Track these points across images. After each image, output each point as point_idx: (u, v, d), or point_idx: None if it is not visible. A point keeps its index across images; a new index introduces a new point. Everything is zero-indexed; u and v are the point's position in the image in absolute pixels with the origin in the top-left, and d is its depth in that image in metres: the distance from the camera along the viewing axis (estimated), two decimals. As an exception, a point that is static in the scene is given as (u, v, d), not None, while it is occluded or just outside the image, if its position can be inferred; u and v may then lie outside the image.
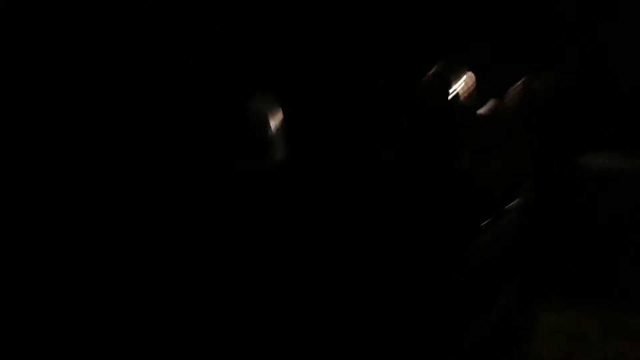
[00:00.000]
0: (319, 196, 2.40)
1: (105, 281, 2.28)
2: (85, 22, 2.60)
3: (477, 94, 3.10)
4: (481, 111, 3.21)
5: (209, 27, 2.84)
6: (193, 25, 2.81)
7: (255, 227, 2.30)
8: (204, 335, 2.21)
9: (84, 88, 2.53)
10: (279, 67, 2.87)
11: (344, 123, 2.79)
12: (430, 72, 2.93)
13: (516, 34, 3.38)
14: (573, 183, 3.17)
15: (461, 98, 3.09)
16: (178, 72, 2.66)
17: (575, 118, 3.20)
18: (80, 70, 2.55)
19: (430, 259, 2.28)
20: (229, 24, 2.89)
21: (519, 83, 3.11)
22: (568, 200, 3.11)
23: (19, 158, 2.41)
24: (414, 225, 2.43)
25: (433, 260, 2.28)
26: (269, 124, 2.92)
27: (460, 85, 3.07)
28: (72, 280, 2.29)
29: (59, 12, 2.55)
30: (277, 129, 2.87)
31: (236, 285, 2.22)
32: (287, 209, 2.33)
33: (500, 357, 2.55)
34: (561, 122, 3.16)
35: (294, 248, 2.26)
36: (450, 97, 2.93)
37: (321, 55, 3.00)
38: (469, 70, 2.99)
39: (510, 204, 2.73)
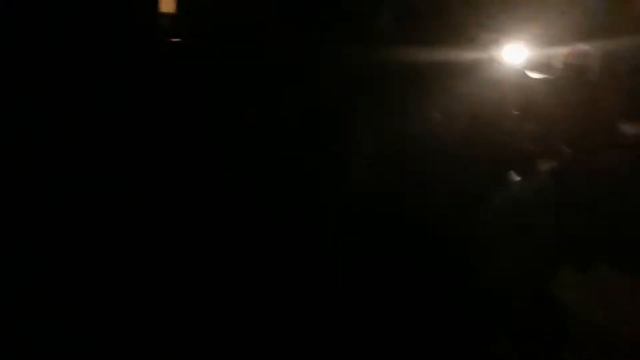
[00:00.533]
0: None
1: (105, 281, 2.31)
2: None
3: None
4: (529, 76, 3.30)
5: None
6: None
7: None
8: (203, 335, 2.26)
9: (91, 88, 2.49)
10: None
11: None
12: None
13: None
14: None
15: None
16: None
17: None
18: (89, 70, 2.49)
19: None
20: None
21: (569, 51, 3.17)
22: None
23: (19, 158, 2.38)
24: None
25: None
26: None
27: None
28: (72, 281, 2.30)
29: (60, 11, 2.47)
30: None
31: (235, 285, 2.28)
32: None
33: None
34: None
35: (298, 248, 2.33)
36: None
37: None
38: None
39: (543, 169, 2.86)
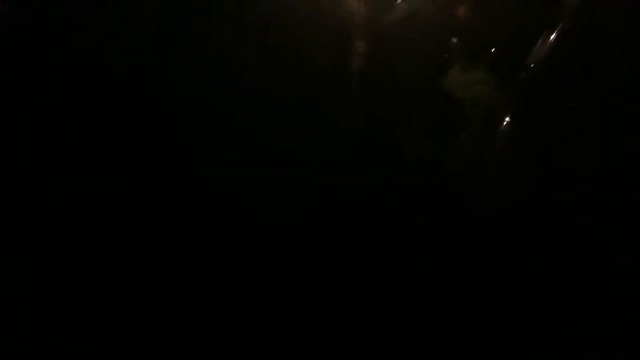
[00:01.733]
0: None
1: (106, 282, 2.28)
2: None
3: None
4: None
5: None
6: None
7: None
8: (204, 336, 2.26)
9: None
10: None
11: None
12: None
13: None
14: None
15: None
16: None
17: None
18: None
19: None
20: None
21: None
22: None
23: (19, 158, 2.35)
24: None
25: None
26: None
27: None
28: (72, 282, 2.28)
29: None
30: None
31: (236, 285, 2.26)
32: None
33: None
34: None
35: (292, 247, 2.26)
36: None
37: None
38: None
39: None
